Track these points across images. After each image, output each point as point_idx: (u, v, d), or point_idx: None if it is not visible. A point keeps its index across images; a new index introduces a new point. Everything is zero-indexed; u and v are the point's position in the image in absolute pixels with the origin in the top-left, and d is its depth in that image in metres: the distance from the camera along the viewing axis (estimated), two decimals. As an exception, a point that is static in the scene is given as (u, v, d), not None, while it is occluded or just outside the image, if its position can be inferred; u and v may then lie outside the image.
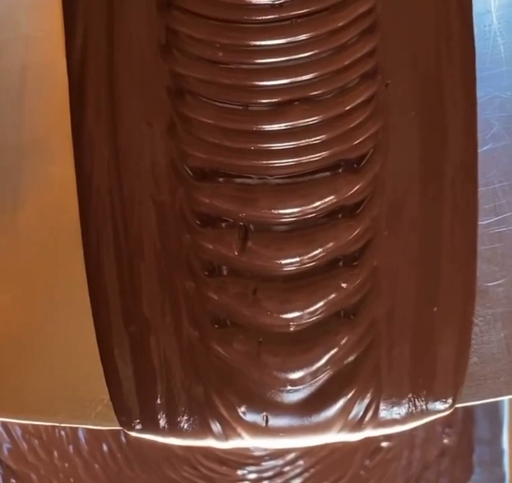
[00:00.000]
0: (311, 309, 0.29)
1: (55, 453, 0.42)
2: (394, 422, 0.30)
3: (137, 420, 0.30)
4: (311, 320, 0.29)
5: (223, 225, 0.29)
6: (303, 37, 0.29)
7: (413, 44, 0.30)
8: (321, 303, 0.29)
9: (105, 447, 0.42)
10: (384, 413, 0.29)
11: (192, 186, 0.29)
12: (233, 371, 0.29)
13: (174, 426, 0.30)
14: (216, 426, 0.29)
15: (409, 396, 0.29)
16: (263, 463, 0.43)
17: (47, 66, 0.31)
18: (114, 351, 0.30)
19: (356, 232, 0.29)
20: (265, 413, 0.29)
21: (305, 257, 0.29)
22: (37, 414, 0.31)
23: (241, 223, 0.29)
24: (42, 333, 0.31)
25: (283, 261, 0.29)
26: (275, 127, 0.29)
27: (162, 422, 0.30)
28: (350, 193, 0.29)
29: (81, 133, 0.30)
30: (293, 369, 0.29)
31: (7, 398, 0.31)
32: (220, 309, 0.29)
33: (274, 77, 0.29)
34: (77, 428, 0.42)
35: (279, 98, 0.29)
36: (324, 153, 0.29)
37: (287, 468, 0.43)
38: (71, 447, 0.42)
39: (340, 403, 0.29)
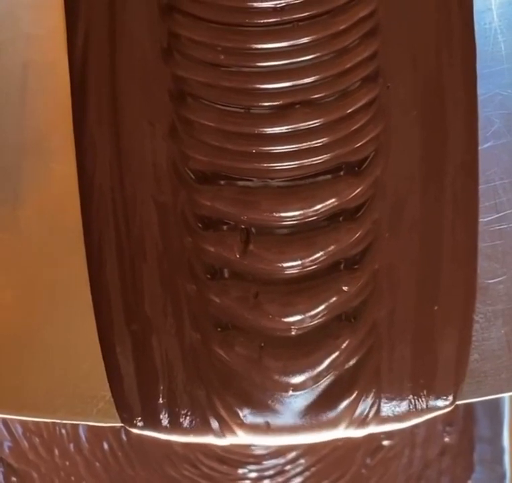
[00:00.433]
0: (313, 313, 0.29)
1: (56, 451, 0.42)
2: (396, 419, 0.30)
3: (139, 418, 0.30)
4: (312, 324, 0.29)
5: (224, 227, 0.29)
6: (304, 40, 0.29)
7: (414, 45, 0.30)
8: (322, 306, 0.29)
9: (106, 445, 0.42)
10: (386, 410, 0.30)
11: (193, 188, 0.29)
12: (235, 375, 0.29)
13: (176, 425, 0.30)
14: (217, 427, 0.30)
15: (409, 393, 0.30)
16: (264, 462, 0.43)
17: (48, 64, 0.31)
18: (116, 348, 0.30)
19: (357, 235, 0.29)
20: (267, 418, 0.29)
21: (307, 260, 0.29)
22: (39, 411, 0.31)
23: (243, 226, 0.29)
24: (43, 330, 0.31)
25: (285, 265, 0.29)
26: (277, 130, 0.29)
27: (164, 421, 0.30)
28: (351, 196, 0.29)
29: (82, 132, 0.30)
30: (295, 374, 0.29)
31: (9, 395, 0.31)
32: (222, 312, 0.29)
33: (276, 80, 0.29)
34: (78, 426, 0.42)
35: (281, 101, 0.29)
36: (325, 156, 0.29)
37: (288, 467, 0.43)
38: (72, 445, 0.42)
39: (342, 405, 0.29)
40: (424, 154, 0.30)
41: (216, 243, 0.29)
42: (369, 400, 0.29)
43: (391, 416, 0.30)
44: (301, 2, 0.29)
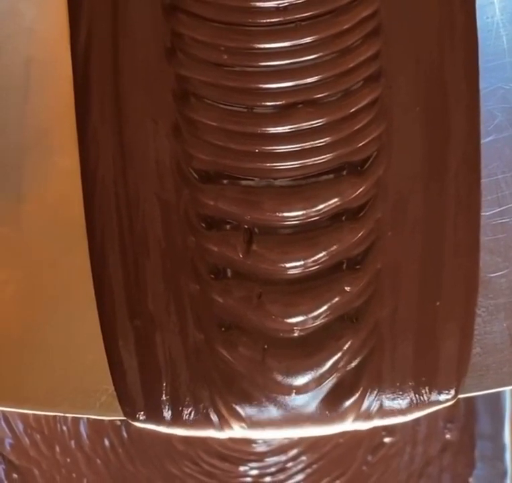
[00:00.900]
0: (315, 313, 0.29)
1: (57, 448, 0.42)
2: (398, 412, 0.30)
3: (141, 412, 0.30)
4: (315, 324, 0.29)
5: (227, 227, 0.29)
6: (307, 40, 0.29)
7: (417, 44, 0.30)
8: (325, 307, 0.29)
9: (107, 442, 0.42)
10: (388, 404, 0.30)
11: (196, 188, 0.30)
12: (238, 376, 0.29)
13: (178, 419, 0.30)
14: (217, 422, 0.30)
15: (412, 388, 0.30)
16: (266, 459, 0.43)
17: (51, 60, 0.31)
18: (119, 342, 0.30)
19: (359, 235, 0.29)
20: (269, 417, 0.29)
21: (309, 260, 0.29)
22: (42, 405, 0.31)
23: (246, 226, 0.29)
24: (46, 324, 0.31)
25: (288, 265, 0.29)
26: (280, 129, 0.29)
27: (166, 416, 0.30)
28: (353, 196, 0.29)
29: (85, 128, 0.30)
30: (298, 375, 0.29)
31: (12, 389, 0.31)
32: (225, 312, 0.29)
33: (278, 80, 0.29)
34: (79, 423, 0.42)
35: (284, 101, 0.29)
36: (328, 155, 0.29)
37: (289, 464, 0.43)
38: (73, 442, 0.42)
39: (345, 405, 0.29)
40: (427, 151, 0.30)
41: (219, 243, 0.29)
42: (372, 397, 0.29)
43: (394, 410, 0.30)
44: (303, 2, 0.29)
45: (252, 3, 0.29)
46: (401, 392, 0.30)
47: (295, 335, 0.29)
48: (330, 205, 0.29)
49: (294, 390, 0.29)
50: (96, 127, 0.30)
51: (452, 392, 0.30)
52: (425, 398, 0.30)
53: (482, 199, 0.30)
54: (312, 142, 0.29)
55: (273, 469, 0.43)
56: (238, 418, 0.29)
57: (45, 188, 0.31)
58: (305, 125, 0.29)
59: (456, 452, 0.43)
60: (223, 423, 0.30)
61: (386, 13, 0.30)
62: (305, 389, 0.29)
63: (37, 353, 0.31)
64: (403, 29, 0.30)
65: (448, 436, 0.43)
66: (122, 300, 0.30)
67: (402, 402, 0.30)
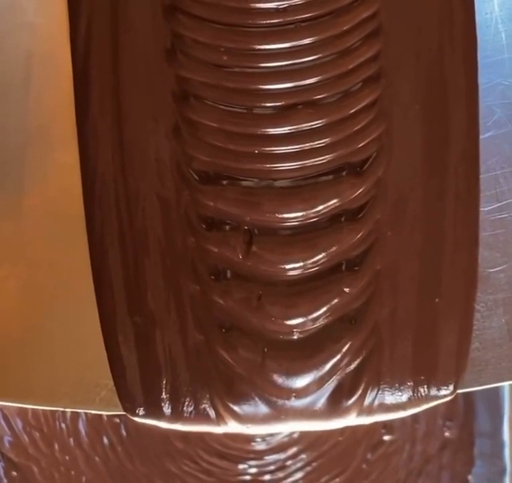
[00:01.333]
0: (315, 315, 0.29)
1: (56, 446, 0.42)
2: (398, 408, 0.30)
3: (141, 408, 0.30)
4: (314, 326, 0.29)
5: (227, 228, 0.29)
6: (307, 41, 0.29)
7: (417, 42, 0.30)
8: (324, 308, 0.29)
9: (105, 440, 0.42)
10: (388, 400, 0.30)
11: (196, 189, 0.30)
12: (238, 378, 0.29)
13: (177, 416, 0.30)
14: (216, 422, 0.30)
15: (411, 383, 0.30)
16: (265, 457, 0.43)
17: (52, 54, 0.31)
18: (119, 337, 0.30)
19: (359, 236, 0.29)
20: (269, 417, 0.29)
21: (309, 262, 0.29)
22: (42, 399, 0.31)
23: (246, 227, 0.29)
24: (47, 319, 0.31)
25: (287, 266, 0.29)
26: (279, 130, 0.29)
27: (167, 413, 0.30)
28: (353, 196, 0.29)
29: (85, 123, 0.30)
30: (298, 378, 0.29)
31: (12, 384, 0.31)
32: (225, 314, 0.29)
33: (278, 81, 0.29)
34: (78, 420, 0.42)
35: (283, 102, 0.29)
36: (328, 156, 0.29)
37: (289, 462, 0.43)
38: (71, 440, 0.42)
39: (346, 405, 0.29)
40: (426, 148, 0.30)
41: (219, 244, 0.29)
42: (372, 395, 0.30)
43: (394, 406, 0.30)
44: (303, 3, 0.29)
45: (252, 4, 0.29)
46: (400, 388, 0.30)
47: (295, 337, 0.29)
48: (329, 206, 0.29)
49: (294, 394, 0.29)
50: (96, 123, 0.30)
51: (451, 387, 0.30)
52: (425, 393, 0.30)
53: (481, 195, 0.30)
54: (312, 143, 0.29)
55: (272, 467, 0.43)
56: (238, 418, 0.29)
57: (46, 183, 0.31)
58: (304, 126, 0.29)
59: (455, 450, 0.43)
60: (221, 422, 0.30)
61: (386, 14, 0.30)
62: (306, 392, 0.29)
63: (38, 348, 0.31)
64: (402, 30, 0.30)
65: (447, 434, 0.43)
66: (121, 296, 0.30)
67: (402, 398, 0.30)
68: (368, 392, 0.29)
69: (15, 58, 0.31)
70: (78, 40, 0.30)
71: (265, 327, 0.29)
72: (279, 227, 0.29)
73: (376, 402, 0.30)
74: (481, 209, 0.30)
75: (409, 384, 0.30)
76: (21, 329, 0.31)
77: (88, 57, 0.30)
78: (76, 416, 0.42)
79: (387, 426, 0.42)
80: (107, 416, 0.42)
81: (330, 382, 0.29)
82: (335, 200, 0.29)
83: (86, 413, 0.42)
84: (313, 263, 0.29)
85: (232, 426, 0.30)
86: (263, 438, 0.43)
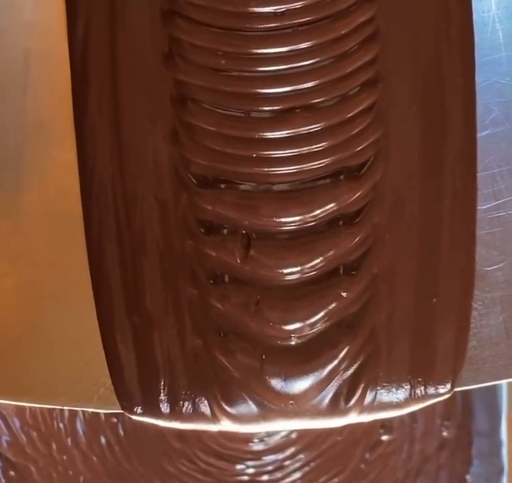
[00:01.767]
0: (313, 320, 0.29)
1: (54, 446, 0.42)
2: (394, 406, 0.30)
3: (139, 407, 0.30)
4: (312, 331, 0.29)
5: (225, 232, 0.29)
6: (304, 45, 0.29)
7: (414, 45, 0.30)
8: (322, 313, 0.29)
9: (103, 440, 0.42)
10: (385, 400, 0.30)
11: (194, 192, 0.29)
12: (236, 383, 0.29)
13: (175, 414, 0.30)
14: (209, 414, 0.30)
15: (409, 383, 0.30)
16: (263, 458, 0.43)
17: (50, 52, 0.30)
18: (117, 336, 0.30)
19: (356, 240, 0.29)
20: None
21: (307, 266, 0.29)
22: (40, 398, 0.31)
23: (244, 231, 0.29)
24: (44, 317, 0.31)
25: (285, 271, 0.29)
26: (277, 134, 0.29)
27: (165, 412, 0.30)
28: (350, 200, 0.29)
29: (83, 122, 0.30)
30: (295, 384, 0.29)
31: (10, 381, 0.31)
32: (223, 318, 0.29)
33: (276, 85, 0.29)
34: (75, 420, 0.42)
35: (281, 106, 0.29)
36: (325, 160, 0.29)
37: (287, 462, 0.43)
38: (69, 440, 0.42)
39: (345, 407, 0.29)
40: (423, 149, 0.30)
41: (217, 248, 0.29)
42: (371, 395, 0.30)
43: (392, 404, 0.30)
44: (301, 7, 0.29)
45: (250, 8, 0.29)
46: (398, 389, 0.30)
47: (293, 343, 0.29)
48: (327, 210, 0.29)
49: (291, 401, 0.29)
50: (94, 122, 0.30)
51: (448, 385, 0.30)
52: (422, 393, 0.30)
53: (478, 193, 0.30)
54: (310, 147, 0.29)
55: (270, 468, 0.43)
56: (235, 421, 0.29)
57: (44, 181, 0.31)
58: (302, 130, 0.29)
59: (453, 449, 0.43)
60: (217, 423, 0.30)
61: (383, 18, 0.30)
62: (304, 399, 0.29)
63: (36, 346, 0.31)
64: (400, 33, 0.30)
65: (445, 433, 0.43)
66: (119, 295, 0.30)
67: (399, 398, 0.30)
68: (367, 394, 0.29)
69: (12, 56, 0.31)
70: (76, 41, 0.30)
71: (263, 332, 0.29)
72: (277, 231, 0.29)
73: (374, 403, 0.30)
74: (478, 208, 0.30)
75: (406, 384, 0.30)
76: (19, 327, 0.31)
77: (86, 58, 0.30)
78: (73, 415, 0.42)
79: (385, 426, 0.42)
80: (105, 416, 0.42)
81: (328, 387, 0.29)
82: (333, 204, 0.29)
83: (83, 413, 0.42)
84: (310, 267, 0.29)
85: (229, 426, 0.30)
86: (261, 438, 0.43)
